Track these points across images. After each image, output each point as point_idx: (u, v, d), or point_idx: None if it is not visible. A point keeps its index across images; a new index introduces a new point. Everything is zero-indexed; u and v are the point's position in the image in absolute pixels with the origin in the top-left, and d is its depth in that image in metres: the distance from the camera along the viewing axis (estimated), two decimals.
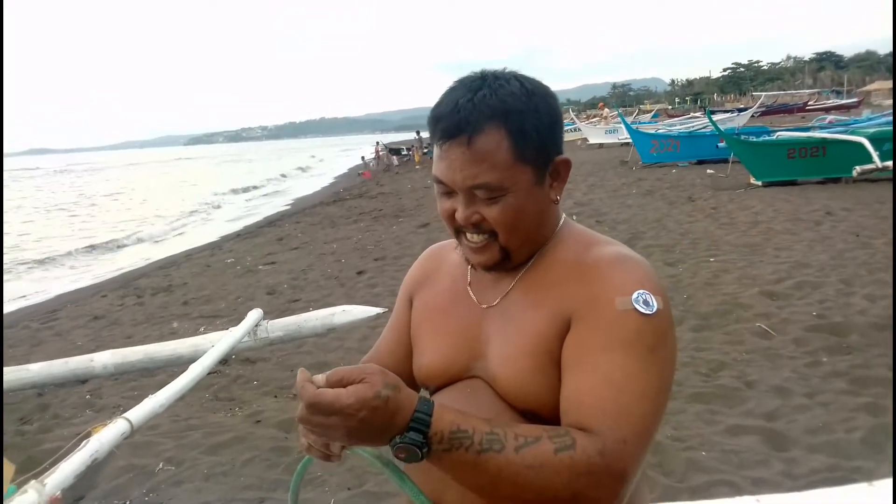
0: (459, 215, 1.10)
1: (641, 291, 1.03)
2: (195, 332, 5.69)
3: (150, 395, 2.16)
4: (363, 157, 28.15)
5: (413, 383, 1.29)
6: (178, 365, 3.08)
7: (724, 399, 3.62)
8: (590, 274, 1.08)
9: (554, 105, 1.13)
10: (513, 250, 1.13)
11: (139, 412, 2.02)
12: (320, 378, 0.93)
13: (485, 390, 1.13)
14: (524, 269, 1.17)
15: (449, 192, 1.12)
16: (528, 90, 1.09)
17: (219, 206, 23.45)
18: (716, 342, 4.51)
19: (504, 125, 1.06)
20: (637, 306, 1.02)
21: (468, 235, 1.13)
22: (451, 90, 1.11)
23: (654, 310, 1.02)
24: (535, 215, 1.13)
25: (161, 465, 3.45)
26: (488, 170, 1.06)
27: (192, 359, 2.92)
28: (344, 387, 0.91)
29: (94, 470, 3.25)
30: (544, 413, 1.07)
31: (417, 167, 28.87)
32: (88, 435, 1.95)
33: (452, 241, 1.34)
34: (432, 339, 1.23)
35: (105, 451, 1.83)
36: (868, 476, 2.75)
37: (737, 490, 2.75)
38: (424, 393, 1.24)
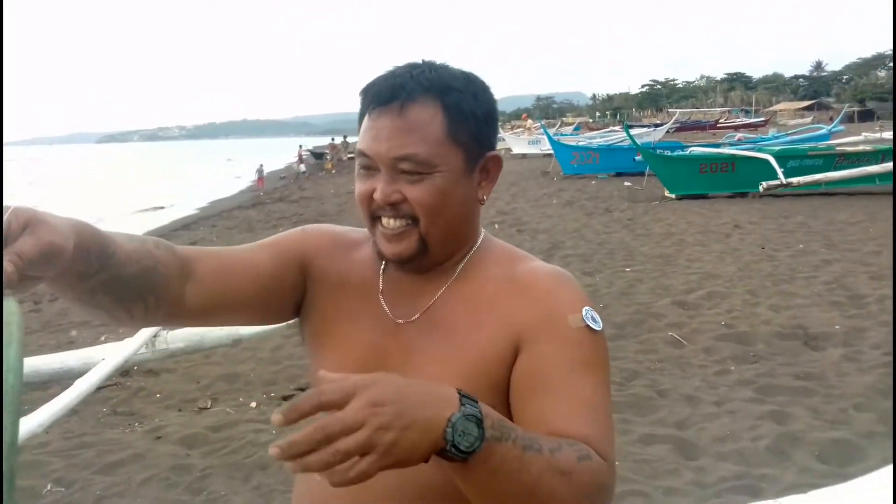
0: (379, 193, 0.99)
1: (587, 308, 1.00)
2: (96, 341, 5.35)
3: (25, 416, 1.96)
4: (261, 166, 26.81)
5: (234, 309, 1.09)
6: (67, 378, 2.84)
7: (637, 408, 3.66)
8: (534, 291, 1.01)
9: (491, 98, 1.06)
10: (432, 243, 1.02)
11: None
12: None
13: None
14: (450, 281, 1.06)
15: (370, 170, 1.01)
16: (468, 76, 1.04)
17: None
18: (630, 351, 4.58)
19: (440, 100, 1.00)
20: (588, 323, 0.98)
21: (384, 221, 1.01)
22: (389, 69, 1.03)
23: (601, 326, 1.00)
24: (459, 207, 1.03)
25: (49, 487, 3.19)
26: (418, 141, 0.98)
27: (82, 372, 2.69)
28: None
29: None
30: None
31: (332, 172, 28.35)
32: None
33: (355, 231, 1.22)
34: (337, 351, 1.08)
35: None
36: (773, 483, 2.82)
37: (649, 501, 2.76)
38: None
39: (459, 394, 0.78)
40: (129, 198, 25.35)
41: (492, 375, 0.98)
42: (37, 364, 2.87)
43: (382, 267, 1.11)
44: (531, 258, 1.09)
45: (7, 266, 0.71)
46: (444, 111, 1.00)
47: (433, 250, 1.03)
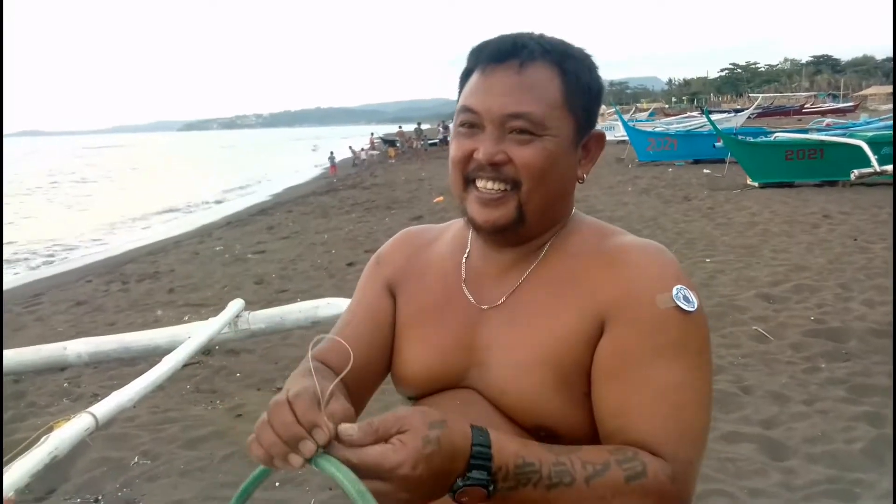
0: (482, 153, 0.94)
1: (680, 287, 0.92)
2: (179, 321, 5.55)
3: (117, 390, 2.03)
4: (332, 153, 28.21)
5: (376, 382, 1.11)
6: (155, 355, 2.95)
7: (721, 404, 3.52)
8: (620, 266, 0.95)
9: (600, 77, 1.02)
10: (530, 212, 0.96)
11: (105, 407, 1.90)
12: (351, 429, 0.76)
13: (480, 403, 0.98)
14: (536, 261, 1.01)
15: (473, 128, 0.96)
16: (584, 51, 1.01)
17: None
18: (712, 345, 4.41)
19: (560, 66, 0.96)
20: (679, 303, 0.91)
21: (482, 183, 0.96)
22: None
23: (696, 306, 0.92)
24: (561, 178, 0.98)
25: (136, 459, 3.32)
26: (535, 100, 0.94)
27: (168, 349, 2.79)
28: (383, 441, 0.76)
29: (67, 461, 3.13)
30: (560, 430, 0.94)
31: (392, 161, 28.44)
32: (50, 430, 1.82)
33: (433, 228, 1.19)
34: (419, 344, 1.06)
35: (66, 448, 1.71)
36: (869, 489, 2.66)
37: (733, 501, 2.65)
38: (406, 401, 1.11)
39: (471, 455, 0.79)
40: (214, 183, 26.38)
41: (580, 362, 0.94)
42: (127, 341, 2.99)
43: (465, 255, 1.07)
44: (622, 232, 1.03)
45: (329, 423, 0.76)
46: (563, 77, 0.97)
47: (529, 221, 0.98)
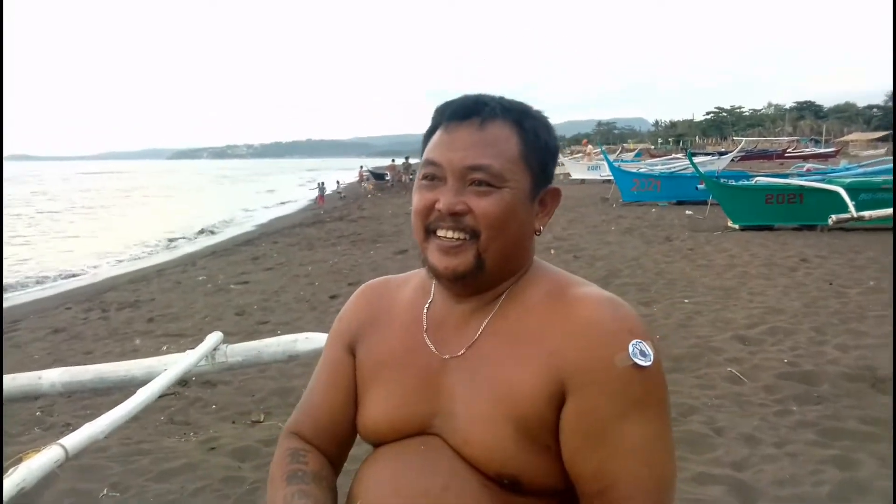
0: (443, 203, 0.99)
1: (635, 342, 0.97)
2: (157, 351, 5.53)
3: (89, 422, 2.04)
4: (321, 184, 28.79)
5: (347, 444, 1.18)
6: (130, 386, 2.94)
7: (693, 446, 3.54)
8: (576, 325, 0.99)
9: (556, 137, 1.10)
10: (489, 260, 1.01)
11: (75, 439, 1.90)
12: None
13: (441, 449, 1.01)
14: (492, 312, 1.05)
15: (435, 181, 1.02)
16: (540, 112, 1.09)
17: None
18: (686, 385, 4.45)
19: (519, 124, 1.03)
20: (636, 360, 0.96)
21: (442, 232, 1.01)
22: None
23: (651, 359, 0.97)
24: (519, 229, 1.03)
25: (105, 491, 3.28)
26: (494, 155, 1.00)
27: (144, 381, 2.78)
28: None
29: (34, 493, 3.09)
30: (523, 478, 0.98)
31: (370, 195, 28.67)
32: (19, 461, 1.82)
33: (395, 279, 1.24)
34: (381, 394, 1.09)
35: (34, 479, 1.71)
36: None
37: None
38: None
39: None
40: (199, 214, 26.34)
41: (538, 412, 0.98)
42: (103, 371, 2.98)
43: (427, 305, 1.12)
44: (580, 283, 1.07)
45: None
46: (521, 134, 1.03)
47: (488, 269, 1.02)
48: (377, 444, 1.11)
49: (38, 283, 12.44)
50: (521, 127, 1.03)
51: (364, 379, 1.13)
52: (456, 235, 1.01)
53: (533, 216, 1.06)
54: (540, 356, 0.99)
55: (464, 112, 1.03)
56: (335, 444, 1.16)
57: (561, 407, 0.98)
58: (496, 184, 1.00)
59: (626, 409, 0.95)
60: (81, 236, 19.82)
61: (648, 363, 0.97)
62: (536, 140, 1.04)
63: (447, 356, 1.06)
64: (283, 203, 30.43)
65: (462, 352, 1.05)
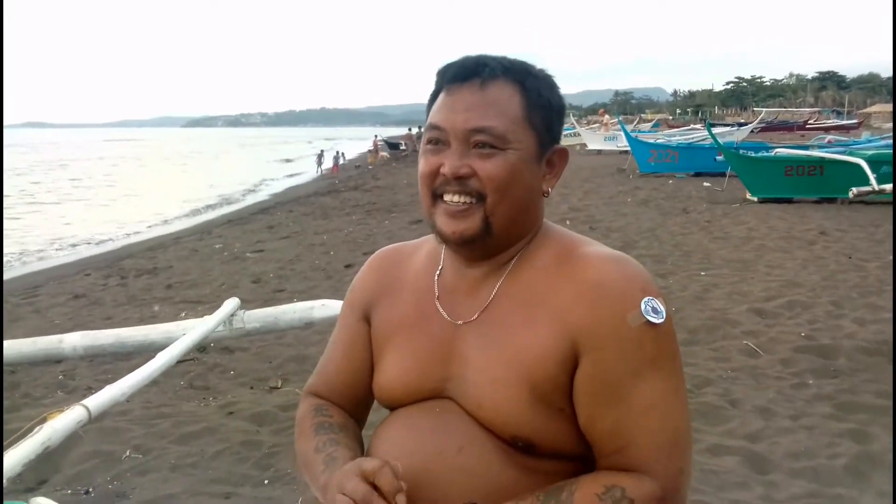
0: (448, 167, 0.98)
1: (647, 299, 0.97)
2: (176, 317, 5.60)
3: (110, 383, 2.08)
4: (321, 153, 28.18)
5: (366, 406, 1.20)
6: (149, 351, 2.99)
7: (707, 417, 3.56)
8: (586, 284, 0.98)
9: (561, 95, 1.07)
10: (496, 224, 1.00)
11: (98, 400, 1.94)
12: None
13: (456, 412, 1.02)
14: (503, 276, 1.04)
15: (439, 145, 1.01)
16: (544, 70, 1.06)
17: None
18: (702, 358, 4.45)
19: (520, 83, 1.01)
20: (649, 317, 0.96)
21: (449, 197, 1.00)
22: None
23: (664, 316, 0.97)
24: (526, 190, 1.02)
25: (128, 453, 3.36)
26: (497, 115, 0.98)
27: (163, 345, 2.83)
28: None
29: (59, 453, 3.16)
30: (536, 440, 0.98)
31: (370, 166, 28.17)
32: (44, 420, 1.86)
33: (406, 246, 1.23)
34: (396, 359, 1.10)
35: (59, 439, 1.75)
36: None
37: None
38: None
39: None
40: (223, 181, 26.41)
41: (551, 375, 0.98)
42: (123, 336, 3.03)
43: (438, 272, 1.11)
44: (588, 243, 1.07)
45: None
46: (523, 93, 1.01)
47: (496, 233, 1.01)
48: (393, 408, 1.12)
49: (58, 249, 12.58)
50: (524, 86, 1.01)
51: (379, 345, 1.14)
52: (462, 199, 1.00)
53: (540, 177, 1.05)
54: (551, 319, 0.99)
55: (464, 73, 1.01)
56: (354, 409, 1.19)
57: (574, 369, 0.98)
58: (500, 145, 0.98)
59: (641, 367, 0.96)
60: (102, 205, 19.94)
61: (661, 320, 0.96)
62: (539, 99, 1.02)
63: (460, 322, 1.06)
64: (296, 174, 30.27)
65: (475, 317, 1.05)
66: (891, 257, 7.08)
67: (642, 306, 0.96)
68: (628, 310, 0.96)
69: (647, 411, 0.95)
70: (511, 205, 1.01)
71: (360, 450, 1.10)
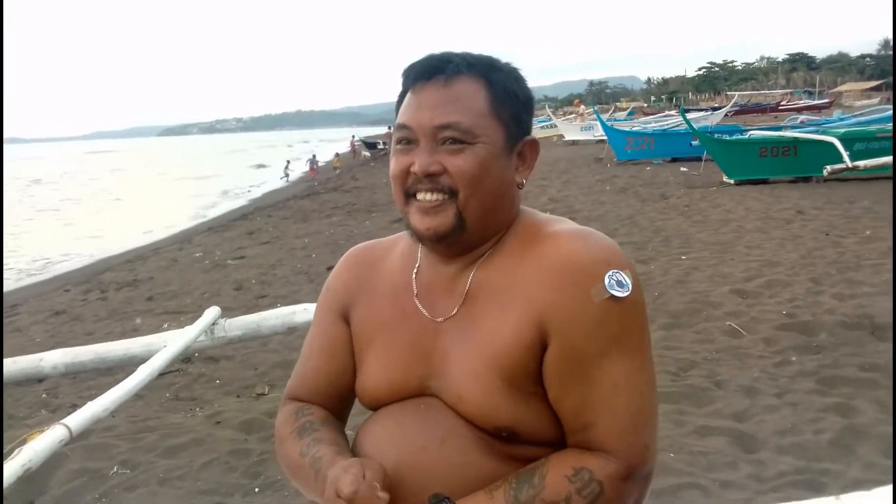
0: (418, 165, 0.98)
1: (612, 272, 0.96)
2: (158, 329, 5.54)
3: (91, 401, 2.05)
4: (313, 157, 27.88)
5: (348, 405, 1.19)
6: (131, 365, 2.96)
7: (693, 399, 3.58)
8: (551, 260, 0.99)
9: (528, 87, 1.07)
10: (469, 218, 1.00)
11: (79, 418, 1.91)
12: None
13: (440, 408, 1.03)
14: (477, 265, 1.05)
15: (409, 144, 1.01)
16: (509, 63, 1.06)
17: None
18: (686, 341, 4.49)
19: (485, 77, 1.01)
20: (613, 292, 0.95)
21: (421, 195, 1.00)
22: None
23: (629, 289, 0.96)
24: (498, 183, 1.02)
25: (115, 469, 3.32)
26: (463, 110, 0.99)
27: (144, 359, 2.80)
28: None
29: (45, 473, 3.12)
30: (519, 429, 0.99)
31: (336, 170, 27.52)
32: (24, 442, 1.83)
33: (380, 243, 1.23)
34: (378, 360, 1.10)
35: (39, 460, 1.72)
36: (836, 479, 2.73)
37: (705, 493, 2.71)
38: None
39: None
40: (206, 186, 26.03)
41: (526, 366, 0.99)
42: (103, 351, 2.99)
43: (415, 270, 1.11)
44: (556, 221, 1.07)
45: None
46: (489, 87, 1.01)
47: (470, 227, 1.01)
48: (376, 409, 1.11)
49: (39, 267, 12.36)
50: (489, 80, 1.02)
51: (360, 346, 1.13)
52: (434, 197, 1.00)
53: (512, 170, 1.05)
54: (521, 303, 0.99)
55: (428, 71, 1.01)
56: (335, 409, 1.18)
57: (543, 352, 0.98)
58: (468, 140, 0.99)
59: (606, 345, 0.96)
60: (81, 222, 19.63)
61: (626, 293, 0.96)
62: (505, 92, 1.02)
63: (440, 319, 1.06)
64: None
65: (454, 312, 1.05)
66: (868, 232, 7.19)
67: (606, 280, 0.96)
68: (592, 285, 0.96)
69: (613, 388, 0.96)
70: (483, 198, 1.01)
71: (345, 443, 1.09)
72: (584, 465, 0.95)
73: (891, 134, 12.10)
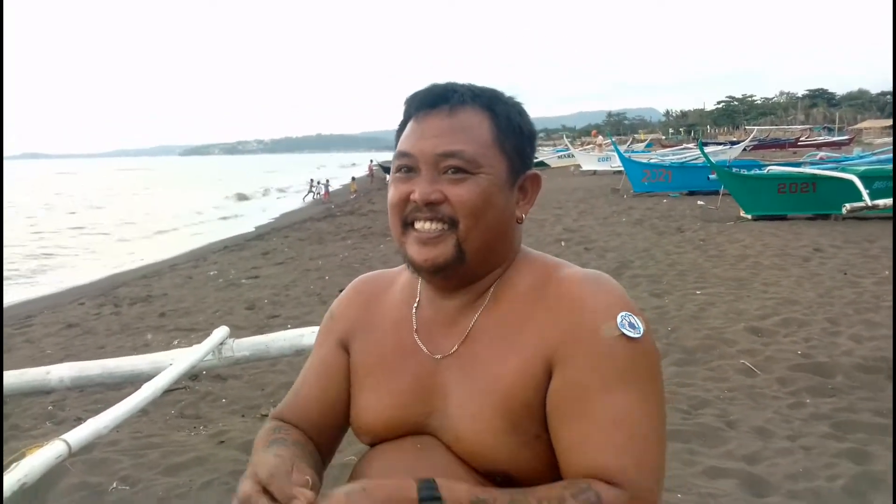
0: (418, 193, 0.96)
1: (625, 314, 0.95)
2: (168, 345, 5.54)
3: (93, 416, 2.04)
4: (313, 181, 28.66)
5: (338, 436, 1.17)
6: (138, 381, 2.95)
7: (705, 439, 3.51)
8: (564, 301, 0.97)
9: (531, 122, 1.06)
10: (469, 250, 0.98)
11: (79, 434, 1.89)
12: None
13: (437, 447, 1.00)
14: (482, 307, 1.02)
15: (409, 172, 0.99)
16: (512, 98, 1.05)
17: None
18: (698, 378, 4.41)
19: (489, 109, 1.00)
20: (624, 331, 0.93)
21: (420, 224, 0.98)
22: None
23: (641, 332, 0.94)
24: (499, 216, 0.99)
25: (115, 485, 3.29)
26: (467, 140, 0.97)
27: (151, 375, 2.79)
28: None
29: (45, 487, 3.10)
30: (515, 474, 0.96)
31: (353, 195, 27.69)
32: (22, 456, 1.82)
33: (386, 274, 1.21)
34: (375, 394, 1.07)
35: (36, 475, 1.70)
36: None
37: None
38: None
39: (420, 498, 0.85)
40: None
41: (530, 406, 0.96)
42: (111, 366, 2.99)
43: (415, 305, 1.09)
44: (566, 265, 1.05)
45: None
46: (493, 119, 1.00)
47: (469, 259, 0.99)
48: (372, 444, 1.09)
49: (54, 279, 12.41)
50: (493, 112, 1.01)
51: (358, 379, 1.12)
52: (434, 226, 0.98)
53: (513, 203, 1.03)
54: (530, 341, 0.97)
55: (432, 100, 1.00)
56: (324, 437, 1.15)
57: (547, 387, 0.95)
58: (471, 170, 0.97)
59: (611, 380, 0.93)
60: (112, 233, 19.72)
61: (637, 335, 0.94)
62: (509, 124, 1.01)
63: (439, 356, 1.04)
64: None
65: (454, 350, 1.03)
66: (886, 273, 7.08)
67: (619, 319, 0.94)
68: (604, 321, 0.94)
69: (614, 424, 0.92)
70: (484, 230, 0.99)
71: (311, 462, 1.07)
72: (580, 479, 0.92)
73: None
